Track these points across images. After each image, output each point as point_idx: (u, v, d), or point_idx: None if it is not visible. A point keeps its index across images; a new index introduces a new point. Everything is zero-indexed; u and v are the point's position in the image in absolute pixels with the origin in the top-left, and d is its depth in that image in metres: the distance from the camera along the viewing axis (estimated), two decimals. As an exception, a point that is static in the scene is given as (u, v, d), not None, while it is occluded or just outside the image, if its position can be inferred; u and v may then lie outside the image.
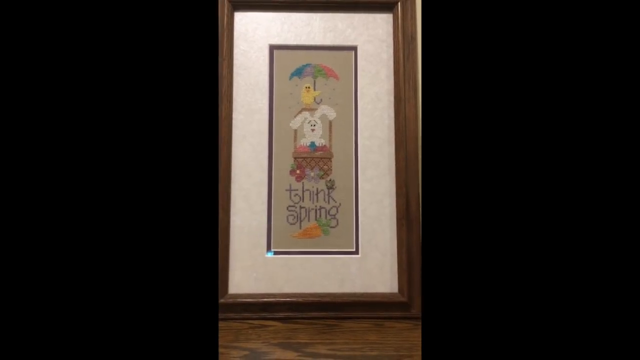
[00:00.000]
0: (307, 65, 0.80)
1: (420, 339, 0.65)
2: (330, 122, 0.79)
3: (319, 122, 0.79)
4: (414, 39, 0.79)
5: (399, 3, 0.80)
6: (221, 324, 0.70)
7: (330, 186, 0.78)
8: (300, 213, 0.77)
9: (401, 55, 0.79)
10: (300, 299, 0.73)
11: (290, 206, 0.77)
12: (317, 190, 0.78)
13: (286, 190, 0.78)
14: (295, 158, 0.78)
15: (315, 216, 0.77)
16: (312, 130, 0.79)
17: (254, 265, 0.75)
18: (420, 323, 0.71)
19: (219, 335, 0.66)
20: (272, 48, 0.81)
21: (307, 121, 0.79)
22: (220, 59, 0.77)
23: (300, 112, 0.79)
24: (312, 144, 0.79)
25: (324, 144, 0.79)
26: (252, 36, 0.81)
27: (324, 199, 0.78)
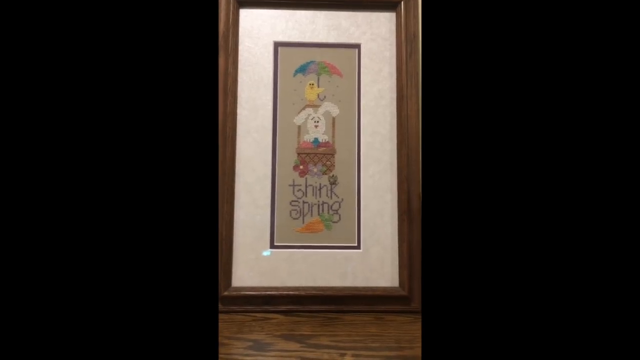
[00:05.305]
0: (311, 62, 0.81)
1: (420, 332, 0.65)
2: (334, 119, 0.80)
3: (322, 118, 0.80)
4: (416, 37, 0.80)
5: (402, 2, 0.81)
6: (224, 317, 0.71)
7: (333, 182, 0.79)
8: (303, 208, 0.78)
9: (404, 54, 0.79)
10: (302, 293, 0.74)
11: (293, 201, 0.78)
12: (320, 185, 0.79)
13: (289, 185, 0.79)
14: (298, 154, 0.79)
15: (318, 211, 0.78)
16: (316, 126, 0.80)
17: (257, 259, 0.76)
18: (420, 317, 0.72)
19: (223, 327, 0.67)
20: (277, 45, 0.81)
21: (310, 117, 0.80)
22: (225, 56, 0.78)
23: (304, 108, 0.80)
24: (316, 140, 0.80)
25: (327, 140, 0.80)
26: (257, 33, 0.81)
27: (327, 194, 0.79)
